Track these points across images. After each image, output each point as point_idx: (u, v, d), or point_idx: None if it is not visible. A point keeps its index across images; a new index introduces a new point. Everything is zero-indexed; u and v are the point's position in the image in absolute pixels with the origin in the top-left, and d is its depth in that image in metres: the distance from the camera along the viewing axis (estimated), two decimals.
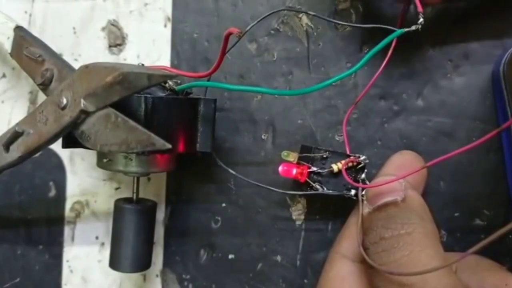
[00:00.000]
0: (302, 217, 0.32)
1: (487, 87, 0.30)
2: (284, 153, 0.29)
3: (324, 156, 0.28)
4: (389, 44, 0.26)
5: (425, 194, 0.29)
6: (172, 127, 0.27)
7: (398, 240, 0.24)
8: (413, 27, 0.25)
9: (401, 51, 0.31)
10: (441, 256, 0.24)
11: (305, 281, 0.32)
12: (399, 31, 0.25)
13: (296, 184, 0.30)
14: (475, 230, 0.31)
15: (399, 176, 0.25)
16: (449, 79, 0.31)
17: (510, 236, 0.30)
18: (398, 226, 0.24)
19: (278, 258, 0.32)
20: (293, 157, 0.28)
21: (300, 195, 0.32)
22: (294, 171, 0.28)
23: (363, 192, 0.27)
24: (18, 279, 0.34)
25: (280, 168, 0.28)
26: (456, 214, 0.31)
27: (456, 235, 0.31)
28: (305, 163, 0.28)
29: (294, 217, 0.32)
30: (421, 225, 0.24)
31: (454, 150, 0.23)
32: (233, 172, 0.30)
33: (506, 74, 0.28)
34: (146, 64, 0.30)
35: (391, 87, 0.31)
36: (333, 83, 0.25)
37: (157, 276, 0.34)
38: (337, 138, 0.31)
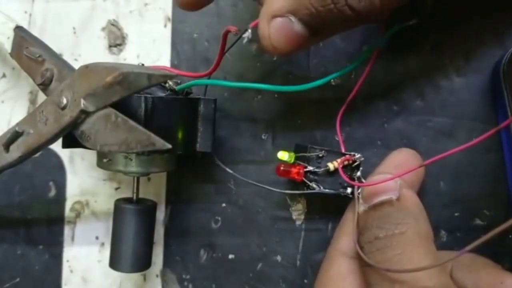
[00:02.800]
0: (302, 217, 0.32)
1: (487, 87, 0.30)
2: (280, 153, 0.29)
3: (320, 155, 0.28)
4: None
5: (422, 193, 0.29)
6: (172, 127, 0.27)
7: (392, 239, 0.24)
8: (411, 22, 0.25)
9: (401, 51, 0.31)
10: (433, 255, 0.24)
11: (305, 281, 0.32)
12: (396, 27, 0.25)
13: (293, 184, 0.30)
14: (475, 230, 0.31)
15: (395, 174, 0.26)
16: (449, 79, 0.31)
17: (510, 236, 0.30)
18: (392, 226, 0.24)
19: (278, 258, 0.32)
20: (289, 157, 0.28)
21: (300, 195, 0.32)
22: (291, 171, 0.28)
23: (359, 190, 0.27)
24: (18, 279, 0.34)
25: (277, 168, 0.28)
26: (456, 214, 0.31)
27: (456, 235, 0.31)
28: (301, 163, 0.28)
29: (294, 217, 0.32)
30: (414, 224, 0.24)
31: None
32: (233, 172, 0.30)
33: (506, 74, 0.28)
34: (146, 64, 0.30)
35: (391, 87, 0.31)
36: (333, 83, 0.25)
37: (157, 276, 0.34)
38: (336, 138, 0.31)
